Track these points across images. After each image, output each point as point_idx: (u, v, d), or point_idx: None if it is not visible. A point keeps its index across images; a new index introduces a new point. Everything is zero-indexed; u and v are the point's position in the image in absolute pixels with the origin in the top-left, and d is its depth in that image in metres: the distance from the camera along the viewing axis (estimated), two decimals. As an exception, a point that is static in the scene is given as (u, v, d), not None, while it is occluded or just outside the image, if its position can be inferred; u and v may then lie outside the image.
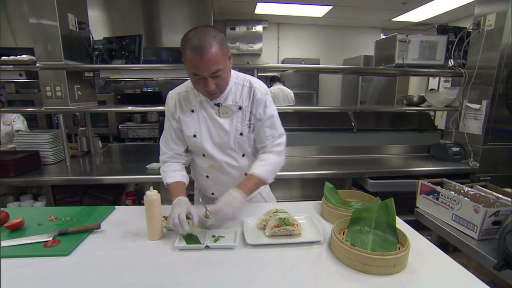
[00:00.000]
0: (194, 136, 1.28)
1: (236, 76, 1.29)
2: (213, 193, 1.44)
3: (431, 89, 2.89)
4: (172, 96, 1.31)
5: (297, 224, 1.13)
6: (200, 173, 1.42)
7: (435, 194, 1.49)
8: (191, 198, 2.25)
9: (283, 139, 1.35)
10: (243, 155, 1.35)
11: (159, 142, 1.39)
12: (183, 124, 1.28)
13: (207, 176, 1.39)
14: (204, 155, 1.34)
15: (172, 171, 1.30)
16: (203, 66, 1.07)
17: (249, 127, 1.30)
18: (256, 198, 1.49)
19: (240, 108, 1.27)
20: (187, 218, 1.09)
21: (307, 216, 1.24)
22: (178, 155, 1.35)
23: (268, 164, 1.27)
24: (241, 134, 1.28)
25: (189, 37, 1.07)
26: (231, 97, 1.27)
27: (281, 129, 1.34)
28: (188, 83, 1.30)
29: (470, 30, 2.38)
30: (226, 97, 1.26)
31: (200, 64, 1.06)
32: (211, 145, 1.30)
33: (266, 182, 1.29)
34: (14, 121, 3.07)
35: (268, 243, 1.05)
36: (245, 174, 1.35)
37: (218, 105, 1.26)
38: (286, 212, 1.19)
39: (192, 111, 1.27)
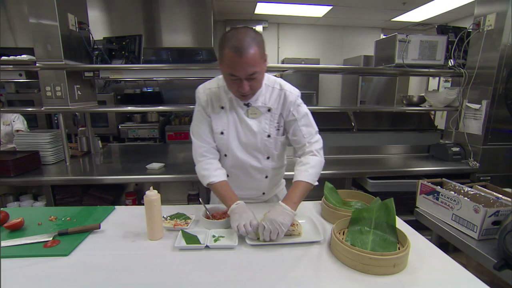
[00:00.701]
0: (222, 133, 1.27)
1: (266, 78, 1.27)
2: None
3: (432, 90, 2.88)
4: (203, 91, 1.29)
5: (297, 224, 1.13)
6: None
7: (435, 194, 1.49)
8: (191, 198, 2.27)
9: (319, 136, 1.34)
10: (268, 158, 1.34)
11: (190, 134, 1.34)
12: (213, 121, 1.28)
13: (228, 176, 1.36)
14: (226, 155, 1.32)
15: (215, 169, 1.28)
16: (241, 67, 1.06)
17: (278, 129, 1.29)
18: (271, 199, 1.50)
19: (269, 110, 1.26)
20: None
21: (307, 216, 1.24)
22: (213, 148, 1.32)
23: (311, 167, 1.25)
24: (269, 136, 1.28)
25: (228, 36, 1.07)
26: (261, 98, 1.26)
27: (315, 126, 1.33)
28: (219, 80, 1.29)
29: (470, 30, 2.38)
30: (256, 98, 1.25)
31: (238, 65, 1.05)
32: (237, 144, 1.29)
33: (313, 185, 1.25)
34: (14, 121, 3.07)
35: (267, 243, 1.05)
36: (266, 177, 1.36)
37: (247, 105, 1.26)
38: None
39: (222, 107, 1.27)
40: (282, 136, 1.32)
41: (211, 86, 1.29)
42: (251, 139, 1.28)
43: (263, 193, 1.44)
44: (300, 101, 1.30)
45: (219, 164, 1.33)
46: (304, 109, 1.30)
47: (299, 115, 1.28)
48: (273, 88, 1.28)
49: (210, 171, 1.27)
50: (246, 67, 1.06)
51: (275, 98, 1.27)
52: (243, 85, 1.10)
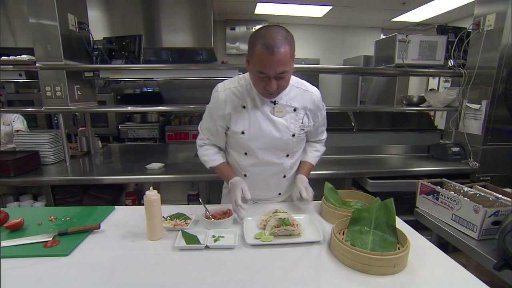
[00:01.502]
0: (242, 132, 1.27)
1: (293, 80, 1.29)
2: None
3: (430, 89, 2.87)
4: (223, 90, 1.27)
5: (297, 224, 1.13)
6: (238, 171, 1.40)
7: (435, 194, 1.49)
8: (191, 198, 2.27)
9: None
10: (287, 156, 1.36)
11: (198, 128, 1.43)
12: (232, 120, 1.26)
13: (245, 175, 1.37)
14: (246, 153, 1.33)
15: (213, 154, 1.37)
16: (271, 65, 1.06)
17: (302, 129, 1.32)
18: (286, 200, 1.51)
19: (295, 109, 1.28)
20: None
21: (307, 216, 1.24)
22: (214, 145, 1.41)
23: (319, 154, 1.48)
24: (293, 135, 1.30)
25: (260, 33, 1.07)
26: (286, 97, 1.27)
27: (326, 123, 1.49)
28: (239, 79, 1.30)
29: (470, 30, 2.38)
30: (281, 97, 1.26)
31: (269, 63, 1.06)
32: (258, 144, 1.29)
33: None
34: (13, 121, 3.07)
35: (267, 244, 1.05)
36: (284, 176, 1.40)
37: (274, 103, 1.26)
38: (286, 212, 1.19)
39: (244, 107, 1.26)
40: (304, 135, 1.38)
41: (231, 85, 1.28)
42: (275, 138, 1.28)
43: (279, 194, 1.46)
44: (322, 103, 1.39)
45: (217, 148, 1.40)
46: (324, 111, 1.42)
47: (321, 118, 1.42)
48: (298, 88, 1.30)
49: (209, 156, 1.36)
50: (276, 65, 1.06)
51: (300, 98, 1.29)
52: (271, 83, 1.10)
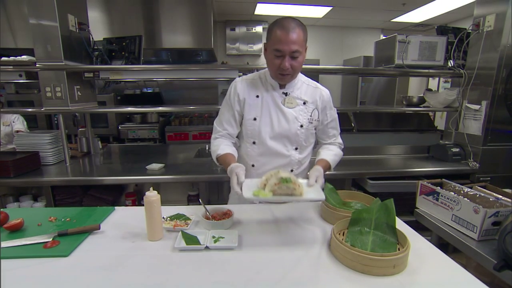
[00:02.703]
0: (254, 119, 1.38)
1: (302, 76, 1.45)
2: None
3: (428, 89, 2.86)
4: (240, 80, 1.44)
5: (299, 185, 1.08)
6: (246, 162, 1.45)
7: (435, 195, 1.49)
8: (191, 198, 2.26)
9: (341, 138, 1.56)
10: (296, 149, 1.42)
11: (214, 123, 1.50)
12: (246, 107, 1.39)
13: (253, 165, 1.43)
14: (254, 142, 1.39)
15: (224, 145, 1.39)
16: (286, 43, 1.21)
17: (310, 122, 1.41)
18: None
19: (304, 103, 1.40)
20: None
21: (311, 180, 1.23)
22: (230, 135, 1.45)
23: (334, 154, 1.45)
24: (301, 126, 1.39)
25: (278, 21, 1.24)
26: (298, 92, 1.40)
27: (339, 128, 1.54)
28: (256, 74, 1.46)
29: (470, 31, 2.38)
30: (293, 90, 1.39)
31: (285, 40, 1.20)
32: (268, 131, 1.38)
33: (330, 168, 1.41)
34: (13, 122, 3.07)
35: (265, 200, 0.99)
36: (291, 170, 1.44)
37: (286, 94, 1.39)
38: (289, 173, 1.16)
39: (257, 96, 1.39)
40: (313, 129, 1.45)
41: (249, 77, 1.46)
42: (284, 126, 1.38)
43: None
44: (331, 104, 1.47)
45: (230, 142, 1.44)
46: (335, 113, 1.49)
47: (330, 118, 1.47)
48: (308, 85, 1.44)
49: (218, 146, 1.39)
50: (291, 43, 1.21)
51: (310, 93, 1.42)
52: (285, 61, 1.24)
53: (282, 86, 1.40)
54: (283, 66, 1.25)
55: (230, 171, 1.22)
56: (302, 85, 1.43)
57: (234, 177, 1.16)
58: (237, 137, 1.49)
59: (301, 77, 1.44)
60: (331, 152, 1.47)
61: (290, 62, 1.25)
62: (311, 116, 1.40)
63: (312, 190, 1.13)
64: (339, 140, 1.55)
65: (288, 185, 1.04)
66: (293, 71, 1.29)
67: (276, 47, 1.23)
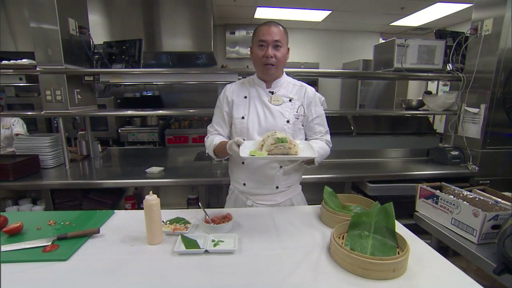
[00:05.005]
0: (243, 117, 1.45)
1: (290, 78, 1.54)
2: (244, 184, 1.48)
3: (426, 91, 2.87)
4: (230, 85, 1.55)
5: (295, 145, 1.15)
6: (236, 160, 1.49)
7: (434, 198, 1.49)
8: (191, 202, 2.26)
9: (329, 136, 1.56)
10: None
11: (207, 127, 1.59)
12: (234, 108, 1.48)
13: (243, 162, 1.47)
14: (244, 139, 1.39)
15: (217, 138, 1.47)
16: (268, 34, 1.35)
17: (297, 118, 1.46)
18: (285, 203, 1.51)
19: (290, 100, 1.46)
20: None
21: (306, 142, 1.32)
22: (221, 135, 1.53)
23: (320, 148, 1.43)
24: (288, 121, 1.43)
25: (260, 24, 1.39)
26: (284, 90, 1.48)
27: (327, 127, 1.56)
28: (245, 79, 1.56)
29: (468, 34, 2.40)
30: (279, 89, 1.48)
31: (267, 31, 1.35)
32: (256, 128, 1.43)
33: (315, 161, 1.36)
34: (13, 125, 3.07)
35: (261, 159, 1.05)
36: (280, 167, 1.45)
37: (272, 92, 1.47)
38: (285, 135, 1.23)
39: (245, 97, 1.49)
40: (300, 125, 1.48)
41: (238, 82, 1.57)
42: (271, 122, 1.43)
43: (277, 187, 1.47)
44: (317, 101, 1.52)
45: (220, 136, 1.51)
46: (320, 110, 1.53)
47: (315, 114, 1.50)
48: (294, 85, 1.51)
49: (212, 140, 1.47)
50: (273, 34, 1.35)
51: (296, 91, 1.49)
52: (269, 50, 1.35)
53: (268, 86, 1.48)
54: (267, 54, 1.35)
55: (229, 144, 1.28)
56: (288, 84, 1.51)
57: (232, 142, 1.24)
58: (228, 138, 1.53)
59: (286, 77, 1.53)
60: (317, 145, 1.43)
61: (274, 52, 1.36)
62: (297, 112, 1.46)
63: (306, 149, 1.21)
64: (327, 138, 1.55)
65: (284, 145, 1.11)
66: (277, 61, 1.38)
67: (260, 38, 1.36)
